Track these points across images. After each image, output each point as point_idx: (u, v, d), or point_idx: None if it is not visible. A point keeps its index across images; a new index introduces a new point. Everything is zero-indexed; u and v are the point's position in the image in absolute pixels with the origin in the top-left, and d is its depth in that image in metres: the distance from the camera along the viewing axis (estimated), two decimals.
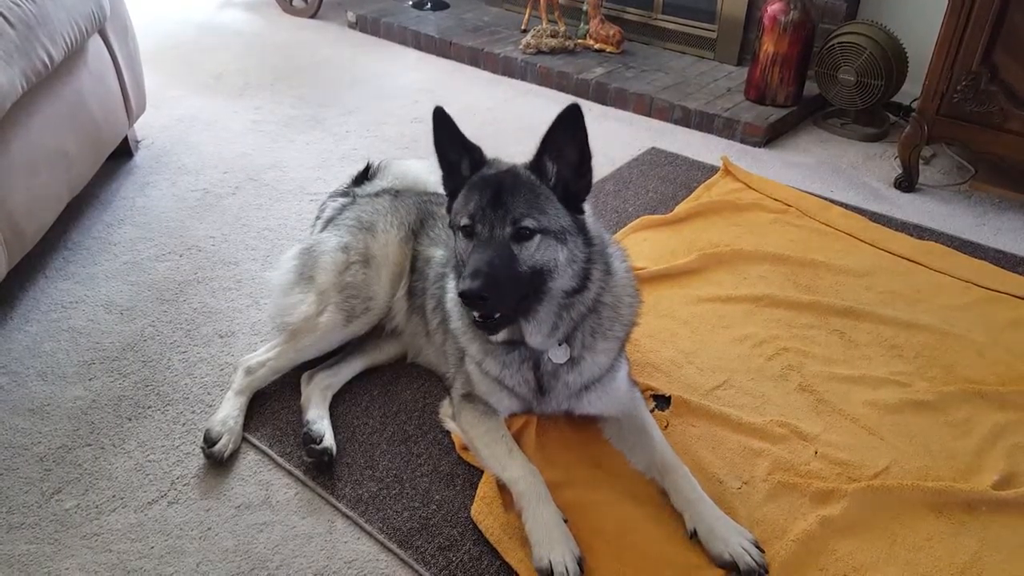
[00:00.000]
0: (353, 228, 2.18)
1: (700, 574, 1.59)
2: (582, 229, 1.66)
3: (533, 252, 1.58)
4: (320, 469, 1.83)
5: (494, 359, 1.79)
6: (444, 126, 1.66)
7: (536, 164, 1.63)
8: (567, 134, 1.57)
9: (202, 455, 1.88)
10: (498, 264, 1.53)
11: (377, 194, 2.37)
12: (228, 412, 1.93)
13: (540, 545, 1.58)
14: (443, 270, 1.99)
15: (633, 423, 1.86)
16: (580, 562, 1.57)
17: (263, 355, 2.05)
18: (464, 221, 1.60)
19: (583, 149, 1.59)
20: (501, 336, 1.71)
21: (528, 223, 1.56)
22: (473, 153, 1.68)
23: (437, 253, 2.08)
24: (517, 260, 1.56)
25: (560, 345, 1.73)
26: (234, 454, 1.88)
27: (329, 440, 1.86)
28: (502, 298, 1.53)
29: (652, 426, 1.85)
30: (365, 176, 2.53)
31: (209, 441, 1.86)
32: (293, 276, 2.16)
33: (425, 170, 2.53)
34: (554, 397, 1.80)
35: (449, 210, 1.70)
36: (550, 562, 1.55)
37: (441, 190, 2.25)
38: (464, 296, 1.51)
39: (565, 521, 1.64)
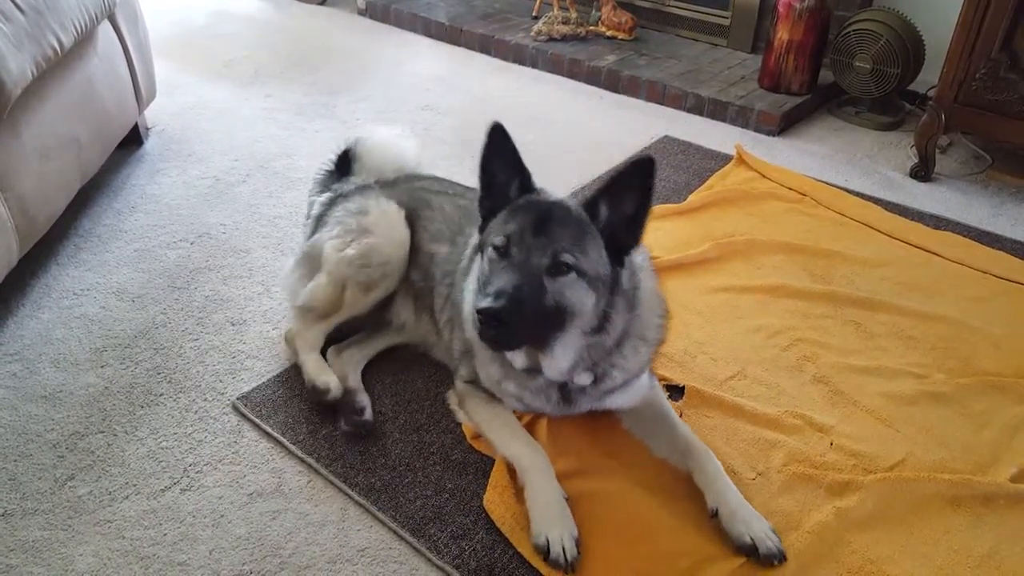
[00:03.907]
0: (344, 218, 2.09)
1: (714, 564, 1.58)
2: (616, 281, 1.59)
3: (563, 288, 1.51)
4: (354, 439, 1.86)
5: (516, 383, 1.75)
6: (501, 143, 1.57)
7: (591, 203, 1.55)
8: (633, 184, 1.50)
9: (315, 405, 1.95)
10: (526, 291, 1.46)
11: (362, 187, 2.23)
12: (313, 367, 1.97)
13: (539, 522, 1.58)
14: (451, 267, 1.95)
15: (653, 410, 1.85)
16: (577, 543, 1.56)
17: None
18: (499, 240, 1.53)
19: (644, 204, 1.52)
20: (520, 364, 1.67)
21: (567, 258, 1.49)
22: (525, 176, 1.60)
23: (441, 250, 2.02)
24: (546, 293, 1.49)
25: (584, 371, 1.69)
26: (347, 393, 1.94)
27: (370, 413, 1.90)
28: (520, 325, 1.47)
29: (671, 411, 1.84)
30: (345, 164, 2.36)
31: (318, 393, 1.92)
32: (302, 281, 2.09)
33: (399, 141, 2.40)
34: (577, 406, 1.78)
35: (482, 230, 1.63)
36: (547, 539, 1.55)
37: (413, 166, 2.26)
38: (482, 313, 1.45)
39: (567, 499, 1.64)
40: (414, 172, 2.37)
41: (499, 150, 1.58)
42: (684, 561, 1.59)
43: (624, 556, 1.60)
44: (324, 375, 1.96)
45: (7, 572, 1.60)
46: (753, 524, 1.59)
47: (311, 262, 2.09)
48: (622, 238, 1.57)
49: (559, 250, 1.49)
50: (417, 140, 2.44)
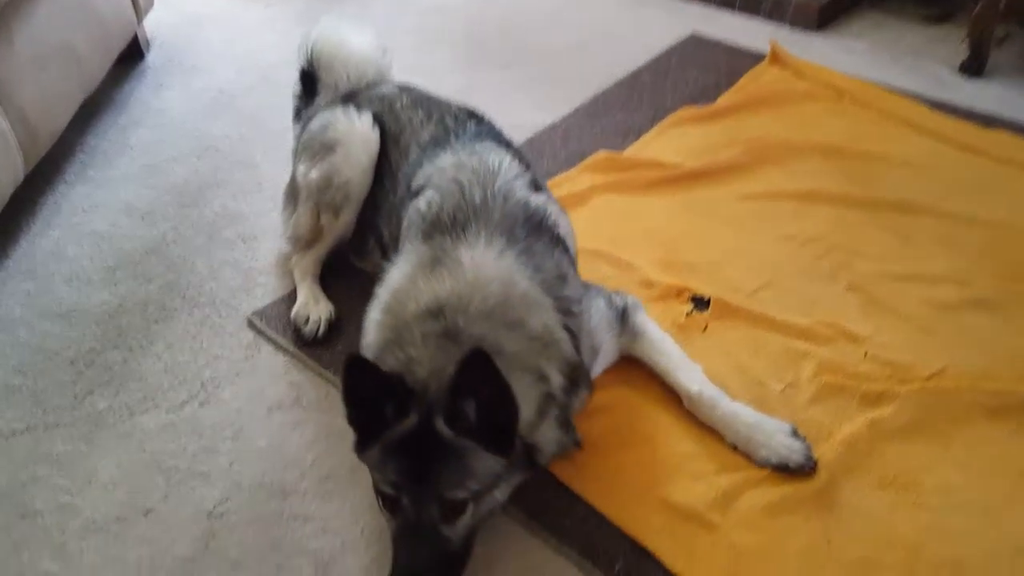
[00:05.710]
0: (309, 141, 2.00)
1: (737, 472, 1.55)
2: (520, 453, 1.36)
3: (467, 522, 1.32)
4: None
5: None
6: (363, 376, 1.27)
7: (452, 414, 1.28)
8: (476, 376, 1.25)
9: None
10: (426, 556, 1.30)
11: (327, 105, 2.08)
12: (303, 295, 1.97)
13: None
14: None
15: (641, 360, 1.75)
16: (578, 441, 1.51)
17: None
18: (387, 490, 1.32)
19: (501, 391, 1.26)
20: None
21: (458, 495, 1.29)
22: (398, 392, 1.28)
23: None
24: (449, 541, 1.31)
25: None
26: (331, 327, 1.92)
27: (314, 327, 1.91)
28: None
29: (661, 353, 1.72)
30: (310, 85, 2.21)
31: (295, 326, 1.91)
32: (290, 213, 2.07)
33: (359, 45, 2.18)
34: None
35: (359, 450, 1.36)
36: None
37: (382, 70, 2.17)
38: None
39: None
40: (382, 78, 2.17)
41: (364, 384, 1.28)
42: (701, 469, 1.56)
43: (633, 462, 1.58)
44: (310, 307, 1.93)
45: (34, 482, 1.62)
46: (773, 443, 1.54)
47: (294, 194, 2.04)
48: (501, 420, 1.30)
49: (446, 495, 1.29)
50: (377, 38, 2.20)
